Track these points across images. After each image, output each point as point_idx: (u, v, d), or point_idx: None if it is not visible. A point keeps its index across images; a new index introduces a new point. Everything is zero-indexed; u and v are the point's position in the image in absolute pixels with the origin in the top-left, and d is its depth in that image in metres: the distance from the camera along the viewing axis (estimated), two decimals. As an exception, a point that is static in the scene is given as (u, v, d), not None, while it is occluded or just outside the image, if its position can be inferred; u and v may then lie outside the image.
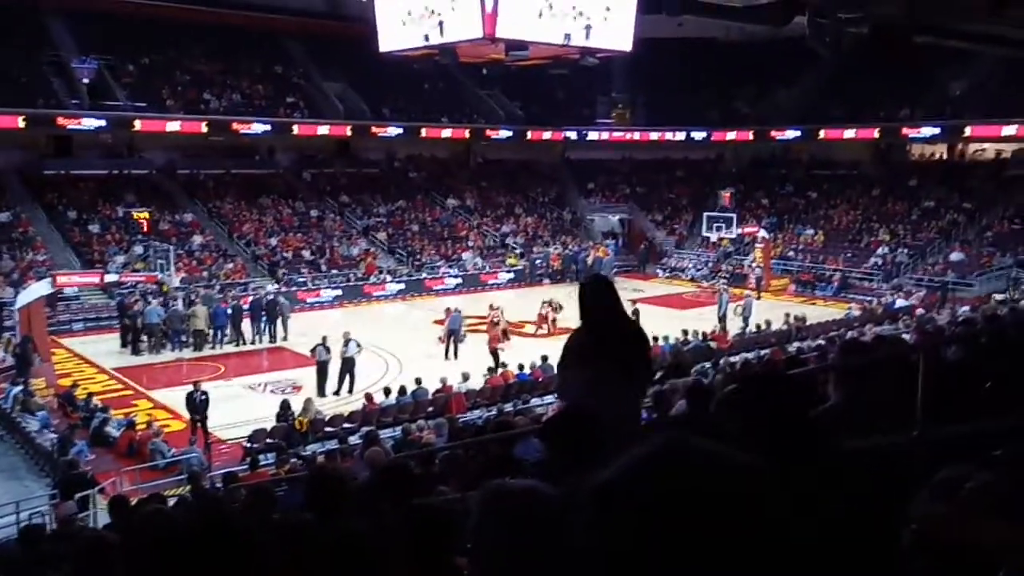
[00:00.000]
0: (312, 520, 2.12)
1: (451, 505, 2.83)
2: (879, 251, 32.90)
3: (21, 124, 29.78)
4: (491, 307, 23.00)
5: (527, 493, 1.78)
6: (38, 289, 20.82)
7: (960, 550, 1.43)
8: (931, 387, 2.94)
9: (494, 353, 20.60)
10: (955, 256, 31.03)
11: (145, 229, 27.52)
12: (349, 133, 37.52)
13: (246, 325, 24.10)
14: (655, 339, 20.98)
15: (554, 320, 24.45)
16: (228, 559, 1.62)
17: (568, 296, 29.82)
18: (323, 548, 2.01)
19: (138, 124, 32.18)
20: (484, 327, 24.08)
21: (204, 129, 33.59)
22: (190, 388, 16.19)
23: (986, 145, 37.15)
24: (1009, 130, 33.07)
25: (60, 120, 30.84)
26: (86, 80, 32.07)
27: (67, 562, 3.49)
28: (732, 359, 17.16)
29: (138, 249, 28.45)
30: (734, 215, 34.24)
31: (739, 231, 33.87)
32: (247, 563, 1.64)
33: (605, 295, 3.72)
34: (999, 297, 25.49)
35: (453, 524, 2.42)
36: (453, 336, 22.38)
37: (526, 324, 24.91)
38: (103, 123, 31.58)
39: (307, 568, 1.96)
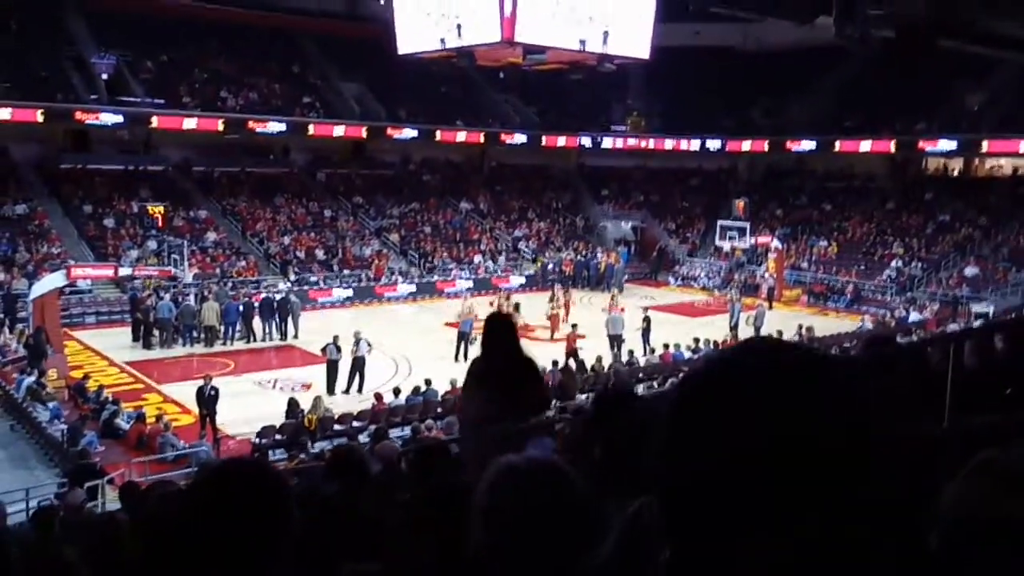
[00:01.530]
0: (336, 491, 2.10)
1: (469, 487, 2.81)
2: (893, 264, 32.72)
3: (40, 118, 29.95)
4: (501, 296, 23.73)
5: (540, 464, 1.75)
6: (52, 280, 20.91)
7: (1006, 525, 1.39)
8: (956, 386, 2.91)
9: (573, 353, 20.68)
10: (970, 271, 30.84)
11: (160, 224, 27.64)
12: (364, 134, 37.58)
13: (257, 322, 24.17)
14: (666, 346, 21.03)
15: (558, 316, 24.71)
16: (249, 521, 1.57)
17: (579, 300, 29.85)
18: (346, 517, 1.99)
19: (155, 120, 32.32)
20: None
21: (220, 127, 33.71)
22: (201, 382, 16.25)
23: (1003, 160, 36.94)
24: (1027, 145, 32.86)
25: (78, 115, 31.01)
26: (105, 76, 32.26)
27: (80, 542, 3.49)
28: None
29: (152, 244, 28.59)
30: (747, 225, 34.14)
31: (752, 241, 33.75)
32: (270, 526, 1.60)
33: (504, 331, 4.07)
34: (978, 308, 25.67)
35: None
36: (464, 339, 22.40)
37: (536, 328, 24.86)
38: (120, 119, 31.75)
39: (330, 536, 1.94)
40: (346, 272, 31.57)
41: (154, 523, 2.98)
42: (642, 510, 1.91)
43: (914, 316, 26.10)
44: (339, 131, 36.72)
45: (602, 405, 3.03)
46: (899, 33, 6.62)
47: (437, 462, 3.22)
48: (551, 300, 25.93)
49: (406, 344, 22.99)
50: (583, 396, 15.80)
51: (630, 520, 1.94)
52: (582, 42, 21.16)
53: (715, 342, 21.28)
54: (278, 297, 24.95)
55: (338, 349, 19.22)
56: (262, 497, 1.53)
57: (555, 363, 18.53)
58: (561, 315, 25.01)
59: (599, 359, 20.03)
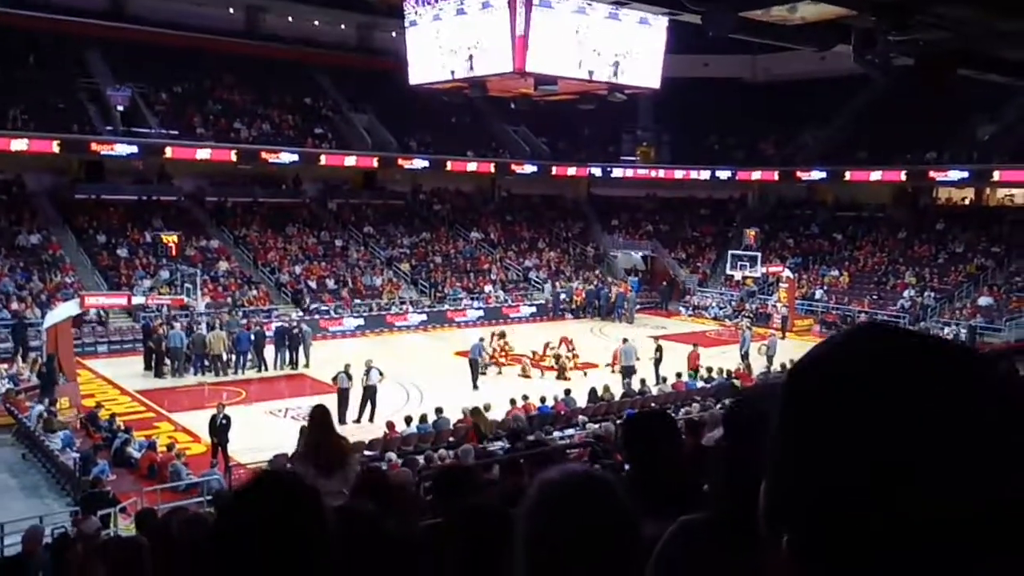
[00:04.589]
0: (374, 510, 2.07)
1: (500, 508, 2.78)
2: (906, 294, 32.58)
3: (56, 149, 30.30)
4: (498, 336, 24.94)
5: (584, 476, 1.72)
6: (67, 309, 21.00)
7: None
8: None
9: (696, 370, 22.01)
10: (984, 300, 30.69)
11: (173, 252, 27.79)
12: (375, 164, 37.86)
13: (269, 351, 24.18)
14: (678, 375, 20.89)
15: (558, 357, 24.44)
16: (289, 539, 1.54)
17: (589, 331, 29.83)
18: (383, 538, 1.96)
19: (169, 151, 32.64)
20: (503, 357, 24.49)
21: (233, 158, 34.00)
22: (214, 411, 16.23)
23: (1015, 190, 36.91)
24: (1038, 175, 32.84)
25: (93, 146, 31.33)
26: (120, 107, 32.63)
27: (101, 566, 3.46)
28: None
29: (164, 273, 28.71)
30: (758, 254, 34.14)
31: (763, 270, 33.70)
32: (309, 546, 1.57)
33: (324, 420, 5.38)
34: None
35: (507, 523, 2.36)
36: (474, 366, 22.40)
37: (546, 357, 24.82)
38: (135, 149, 32.05)
39: (370, 555, 1.91)
40: (357, 301, 31.61)
41: (179, 546, 2.96)
42: (682, 528, 1.88)
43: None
44: (350, 161, 36.98)
45: (634, 424, 3.01)
46: (919, 61, 6.64)
47: (463, 485, 3.19)
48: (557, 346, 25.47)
49: (417, 373, 22.94)
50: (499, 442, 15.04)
51: (669, 538, 1.90)
52: (591, 72, 21.34)
53: (728, 371, 21.18)
54: (292, 327, 24.99)
55: (349, 378, 19.18)
56: (301, 507, 1.50)
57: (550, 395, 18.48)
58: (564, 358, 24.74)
59: (607, 388, 19.93)
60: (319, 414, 5.46)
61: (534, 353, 24.73)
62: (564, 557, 1.60)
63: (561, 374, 23.08)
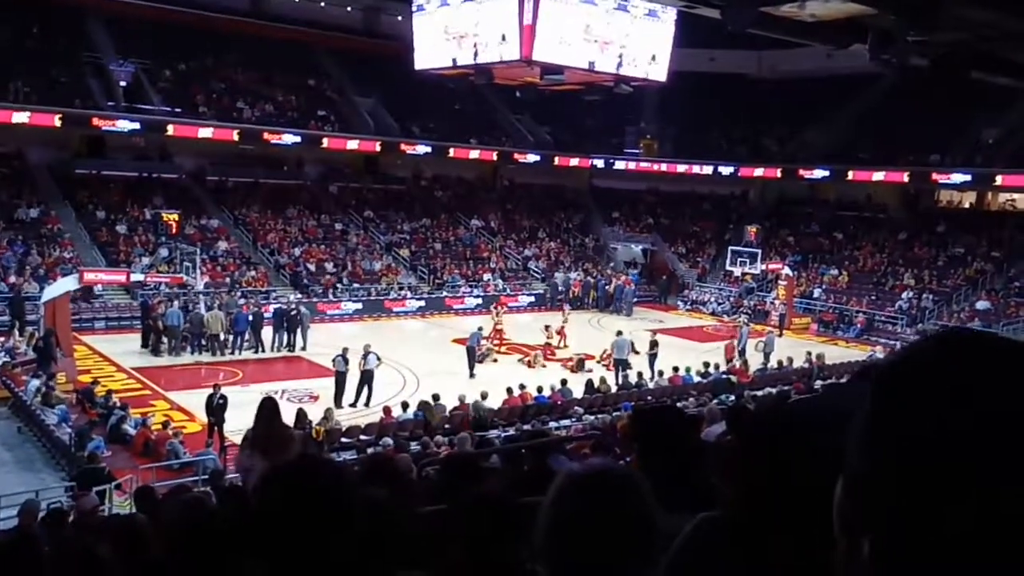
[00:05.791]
0: (388, 496, 2.06)
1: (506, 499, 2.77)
2: (904, 295, 32.58)
3: (57, 123, 30.10)
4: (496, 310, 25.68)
5: (610, 471, 1.72)
6: (65, 284, 20.96)
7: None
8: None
9: (730, 361, 22.24)
10: (981, 304, 30.71)
11: (173, 231, 27.71)
12: (378, 149, 37.71)
13: (267, 333, 24.15)
14: (675, 369, 20.86)
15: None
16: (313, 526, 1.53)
17: (587, 322, 29.83)
18: (396, 523, 1.95)
19: (171, 129, 32.51)
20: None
21: (235, 137, 33.86)
22: (208, 390, 16.23)
23: (1016, 195, 36.89)
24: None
25: (95, 121, 31.17)
26: (123, 83, 32.47)
27: (102, 543, 3.44)
28: (756, 393, 16.98)
29: (163, 251, 28.64)
30: (758, 251, 34.09)
31: (763, 267, 33.66)
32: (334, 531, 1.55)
33: (273, 410, 5.95)
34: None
35: (512, 515, 2.35)
36: (471, 354, 22.39)
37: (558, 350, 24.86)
38: (137, 126, 31.92)
39: (384, 540, 1.90)
40: (355, 286, 31.57)
41: (179, 526, 2.95)
42: (701, 526, 1.86)
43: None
44: (353, 145, 36.86)
45: (641, 419, 3.00)
46: (934, 62, 6.60)
47: (469, 473, 3.18)
48: (546, 329, 25.53)
49: (414, 359, 22.94)
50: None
51: (689, 536, 1.89)
52: (597, 63, 21.26)
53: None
54: (291, 309, 24.96)
55: (346, 362, 19.18)
56: (335, 494, 1.50)
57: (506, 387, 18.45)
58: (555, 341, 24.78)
59: (603, 380, 19.94)
60: (267, 406, 6.04)
61: (547, 345, 24.65)
62: (585, 545, 1.59)
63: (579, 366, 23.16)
